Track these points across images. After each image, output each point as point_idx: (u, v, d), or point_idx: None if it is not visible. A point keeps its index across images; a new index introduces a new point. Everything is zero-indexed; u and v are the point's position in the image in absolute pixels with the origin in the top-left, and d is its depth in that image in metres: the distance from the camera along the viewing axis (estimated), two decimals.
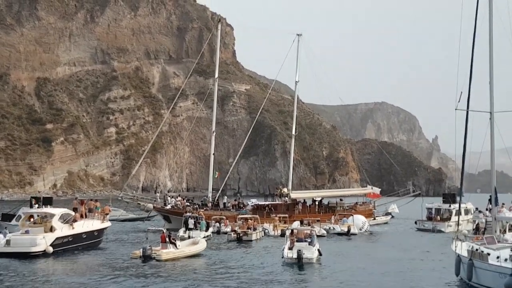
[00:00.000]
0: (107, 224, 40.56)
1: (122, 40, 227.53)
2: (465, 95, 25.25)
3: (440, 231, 54.22)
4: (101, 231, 39.29)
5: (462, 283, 26.05)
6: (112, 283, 25.32)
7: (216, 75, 67.42)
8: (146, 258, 31.65)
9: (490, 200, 49.24)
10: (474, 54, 25.74)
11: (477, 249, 24.55)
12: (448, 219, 56.44)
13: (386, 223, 65.64)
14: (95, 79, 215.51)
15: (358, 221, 53.62)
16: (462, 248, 26.02)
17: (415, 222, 60.04)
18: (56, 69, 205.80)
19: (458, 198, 56.73)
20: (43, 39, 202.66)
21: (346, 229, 50.64)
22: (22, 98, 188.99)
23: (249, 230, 45.06)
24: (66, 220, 36.01)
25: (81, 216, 38.75)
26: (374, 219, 66.45)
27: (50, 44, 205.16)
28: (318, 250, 32.52)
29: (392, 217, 69.76)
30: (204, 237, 41.79)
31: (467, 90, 25.40)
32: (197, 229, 44.81)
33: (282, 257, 31.98)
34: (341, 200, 64.47)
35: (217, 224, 51.27)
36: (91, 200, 45.50)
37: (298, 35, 67.00)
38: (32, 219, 36.44)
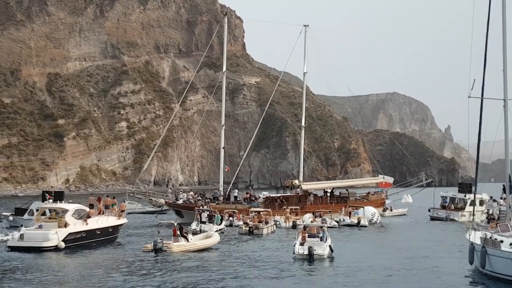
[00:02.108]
0: (124, 220, 40.39)
1: (132, 34, 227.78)
2: (478, 83, 24.91)
3: (453, 220, 53.96)
4: (116, 228, 39.13)
5: (475, 271, 25.89)
6: (121, 276, 25.32)
7: (224, 68, 67.29)
8: (157, 251, 31.70)
9: (504, 189, 48.90)
10: (487, 40, 25.35)
11: (490, 237, 24.37)
12: (462, 208, 56.17)
13: (404, 214, 65.33)
14: (106, 74, 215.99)
15: (368, 213, 53.43)
16: (476, 236, 25.84)
17: (429, 210, 59.83)
18: (66, 65, 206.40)
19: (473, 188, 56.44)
20: (53, 35, 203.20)
21: (356, 221, 50.59)
22: (33, 94, 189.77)
23: (261, 223, 44.95)
24: (80, 215, 36.04)
25: (99, 213, 38.68)
26: (391, 210, 66.32)
27: (60, 39, 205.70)
28: (330, 246, 32.20)
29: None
30: (217, 230, 41.72)
31: (480, 77, 25.05)
32: (210, 223, 44.74)
33: (293, 253, 31.78)
34: (346, 190, 63.94)
35: (230, 218, 51.26)
36: (108, 196, 45.47)
37: (305, 26, 66.78)
38: (45, 215, 36.65)
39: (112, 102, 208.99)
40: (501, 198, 53.99)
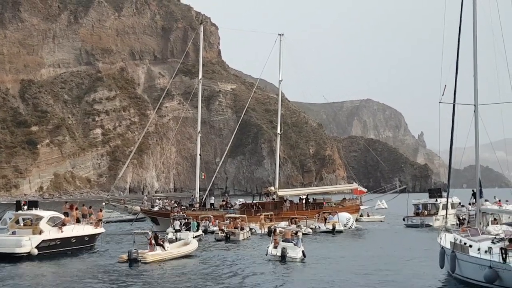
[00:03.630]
0: (101, 230, 39.96)
1: (107, 41, 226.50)
2: (448, 88, 25.36)
3: (428, 225, 54.69)
4: (92, 237, 38.74)
5: (446, 275, 26.24)
6: (94, 286, 25.07)
7: (200, 75, 67.34)
8: (132, 261, 31.23)
9: (473, 194, 49.71)
10: (459, 45, 25.82)
11: (460, 241, 24.72)
12: (435, 213, 56.92)
13: (381, 221, 65.86)
14: (80, 81, 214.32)
15: (343, 218, 53.84)
16: (446, 240, 26.16)
17: (403, 219, 60.45)
18: (40, 71, 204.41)
19: (444, 193, 57.25)
20: (26, 41, 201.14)
21: (331, 227, 50.86)
22: (6, 101, 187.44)
23: (237, 229, 45.05)
24: (55, 223, 35.67)
25: (77, 221, 38.34)
26: (368, 216, 67.00)
27: (34, 45, 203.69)
28: (303, 251, 32.46)
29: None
30: (195, 237, 41.60)
31: (450, 83, 25.52)
32: (187, 230, 44.59)
33: (266, 254, 31.93)
34: (315, 198, 64.31)
35: (205, 222, 51.24)
36: (84, 205, 45.04)
37: (280, 34, 67.29)
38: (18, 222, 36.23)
39: (86, 108, 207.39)
40: (469, 203, 54.89)
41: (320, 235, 49.08)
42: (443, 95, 25.75)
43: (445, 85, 25.17)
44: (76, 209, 40.99)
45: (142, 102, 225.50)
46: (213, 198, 66.54)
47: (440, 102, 26.02)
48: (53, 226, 35.26)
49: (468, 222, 34.92)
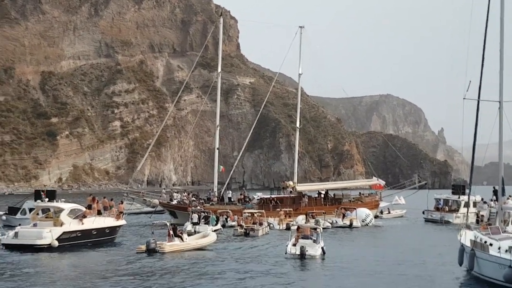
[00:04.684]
0: (122, 222, 40.04)
1: (126, 34, 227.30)
2: (473, 85, 25.01)
3: (447, 222, 54.29)
4: (113, 229, 38.82)
5: (464, 272, 26.00)
6: (111, 277, 25.21)
7: (219, 69, 67.21)
8: (150, 251, 31.66)
9: (494, 191, 49.21)
10: (486, 42, 25.45)
11: (480, 239, 24.46)
12: (456, 210, 56.49)
13: (401, 216, 65.49)
14: (100, 73, 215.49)
15: (361, 214, 53.59)
16: (467, 238, 25.91)
17: (423, 212, 60.11)
18: (60, 63, 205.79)
19: (467, 190, 56.70)
20: (47, 33, 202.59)
21: (348, 223, 50.74)
22: (27, 92, 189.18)
23: (255, 225, 44.91)
24: (76, 215, 35.92)
25: (99, 213, 38.56)
26: (389, 212, 66.67)
27: (54, 37, 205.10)
28: (322, 248, 32.25)
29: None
30: (214, 231, 41.68)
31: (475, 79, 25.17)
32: (206, 224, 44.56)
33: (285, 253, 31.81)
34: (335, 194, 64.02)
35: (223, 217, 51.21)
36: (105, 198, 45.24)
37: (301, 27, 66.74)
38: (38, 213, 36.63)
39: (105, 101, 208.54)
40: (491, 200, 54.37)
41: (338, 230, 48.98)
42: (467, 91, 25.42)
43: (470, 81, 24.85)
44: (98, 201, 41.20)
45: (161, 95, 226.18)
46: (230, 192, 66.53)
47: (464, 98, 25.69)
48: (74, 218, 35.52)
49: (488, 220, 34.53)
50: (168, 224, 36.01)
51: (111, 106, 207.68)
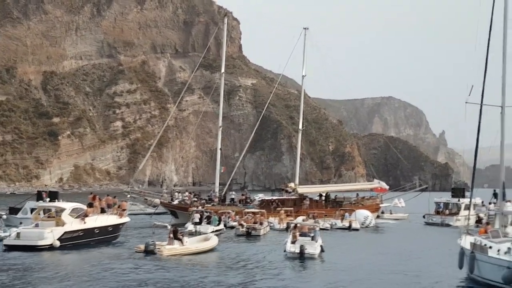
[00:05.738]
0: (125, 219, 39.97)
1: (129, 34, 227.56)
2: (475, 89, 25.13)
3: (448, 225, 54.36)
4: (117, 227, 38.67)
5: (464, 276, 26.09)
6: (104, 274, 25.50)
7: (223, 70, 67.29)
8: (148, 253, 31.69)
9: (494, 194, 49.32)
10: (489, 46, 25.52)
11: (479, 242, 24.59)
12: (457, 213, 56.59)
13: (404, 219, 65.46)
14: (102, 73, 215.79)
15: (360, 216, 53.62)
16: (466, 241, 26.04)
17: (423, 216, 60.13)
18: (62, 63, 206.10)
19: (467, 193, 56.82)
20: (49, 33, 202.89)
21: (347, 225, 50.83)
22: (28, 92, 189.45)
23: (257, 224, 45.13)
24: (78, 214, 35.91)
25: (102, 211, 38.52)
26: (391, 213, 66.76)
27: (56, 37, 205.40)
28: (321, 246, 32.41)
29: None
30: (216, 231, 41.69)
31: (477, 83, 25.26)
32: (207, 224, 44.62)
33: (284, 251, 31.90)
34: (336, 196, 64.07)
35: (225, 217, 51.35)
36: (108, 195, 45.18)
37: (305, 28, 66.82)
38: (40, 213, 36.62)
39: (107, 101, 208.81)
40: (489, 203, 54.45)
41: (337, 231, 49.09)
42: (469, 95, 25.53)
43: (472, 86, 24.96)
44: (100, 199, 41.14)
45: (163, 95, 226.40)
46: (233, 193, 66.65)
47: (466, 102, 25.81)
48: (75, 218, 35.51)
49: (487, 223, 34.65)
50: (168, 226, 35.93)
51: (112, 107, 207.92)
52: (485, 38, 25.42)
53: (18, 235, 33.38)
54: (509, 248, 22.55)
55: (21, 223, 39.09)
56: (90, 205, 38.57)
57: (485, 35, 25.37)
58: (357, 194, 65.29)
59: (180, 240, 33.48)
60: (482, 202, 56.76)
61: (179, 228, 36.52)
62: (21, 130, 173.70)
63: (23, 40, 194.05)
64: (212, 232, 40.72)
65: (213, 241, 35.55)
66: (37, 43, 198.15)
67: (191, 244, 34.18)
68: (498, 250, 22.97)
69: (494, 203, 46.99)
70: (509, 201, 48.85)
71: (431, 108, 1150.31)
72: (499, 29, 25.37)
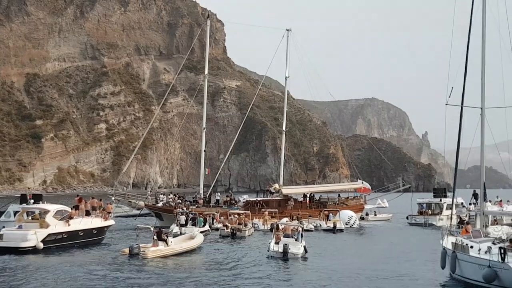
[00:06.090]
0: (110, 222, 39.78)
1: (112, 36, 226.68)
2: (455, 91, 25.47)
3: (431, 225, 54.88)
4: (101, 229, 38.56)
5: (446, 276, 26.38)
6: (87, 277, 25.36)
7: (206, 72, 67.27)
8: (133, 256, 31.50)
9: (474, 195, 49.90)
10: (468, 49, 25.86)
11: (461, 242, 24.88)
12: (439, 213, 57.13)
13: (388, 220, 65.83)
14: (85, 75, 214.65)
15: (344, 216, 53.95)
16: (448, 241, 26.34)
17: (407, 217, 60.58)
18: (45, 65, 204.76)
19: (448, 193, 57.34)
20: (32, 35, 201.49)
21: (332, 225, 51.00)
22: (11, 94, 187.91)
23: (241, 225, 45.29)
24: (62, 216, 35.67)
25: (87, 214, 38.31)
26: (375, 215, 67.06)
27: (39, 39, 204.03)
28: (304, 247, 32.62)
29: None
30: (201, 232, 41.71)
31: (457, 85, 25.60)
32: (193, 225, 44.59)
33: (268, 251, 32.06)
34: (321, 196, 64.30)
35: (209, 219, 51.31)
36: (93, 198, 44.95)
37: (288, 30, 66.85)
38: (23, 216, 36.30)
39: (91, 103, 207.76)
40: (470, 203, 55.04)
41: (321, 232, 49.28)
42: (449, 97, 25.86)
43: (452, 88, 25.28)
44: (85, 202, 40.92)
45: (147, 97, 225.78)
46: (218, 194, 66.63)
47: (446, 104, 26.13)
48: (59, 220, 35.29)
49: (467, 223, 35.06)
50: (152, 228, 35.79)
51: (96, 109, 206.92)
52: (465, 40, 25.81)
53: (0, 236, 33.07)
54: (489, 248, 22.86)
55: (3, 226, 38.73)
56: (76, 207, 38.32)
57: (465, 36, 25.76)
58: (339, 195, 65.57)
59: (164, 241, 33.40)
60: (462, 203, 57.30)
61: (163, 229, 36.48)
62: (4, 132, 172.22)
63: (6, 42, 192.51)
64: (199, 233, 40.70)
65: (199, 239, 35.53)
66: (19, 45, 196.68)
67: (176, 244, 34.08)
68: (479, 250, 23.28)
69: (474, 203, 47.47)
70: (490, 200, 49.48)
71: (414, 109, 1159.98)
72: (478, 29, 25.78)
